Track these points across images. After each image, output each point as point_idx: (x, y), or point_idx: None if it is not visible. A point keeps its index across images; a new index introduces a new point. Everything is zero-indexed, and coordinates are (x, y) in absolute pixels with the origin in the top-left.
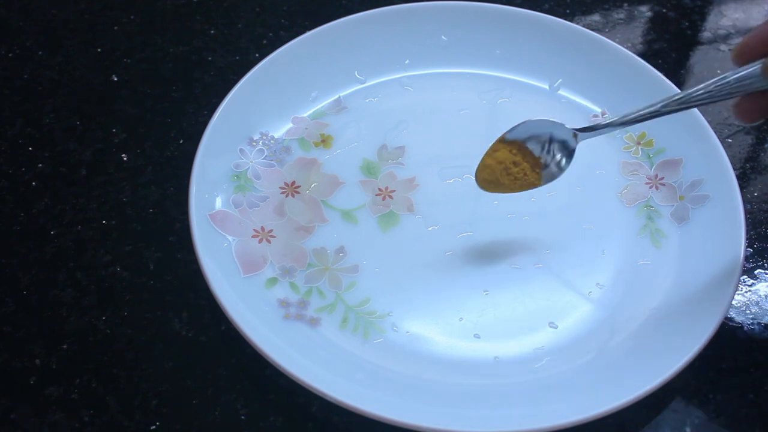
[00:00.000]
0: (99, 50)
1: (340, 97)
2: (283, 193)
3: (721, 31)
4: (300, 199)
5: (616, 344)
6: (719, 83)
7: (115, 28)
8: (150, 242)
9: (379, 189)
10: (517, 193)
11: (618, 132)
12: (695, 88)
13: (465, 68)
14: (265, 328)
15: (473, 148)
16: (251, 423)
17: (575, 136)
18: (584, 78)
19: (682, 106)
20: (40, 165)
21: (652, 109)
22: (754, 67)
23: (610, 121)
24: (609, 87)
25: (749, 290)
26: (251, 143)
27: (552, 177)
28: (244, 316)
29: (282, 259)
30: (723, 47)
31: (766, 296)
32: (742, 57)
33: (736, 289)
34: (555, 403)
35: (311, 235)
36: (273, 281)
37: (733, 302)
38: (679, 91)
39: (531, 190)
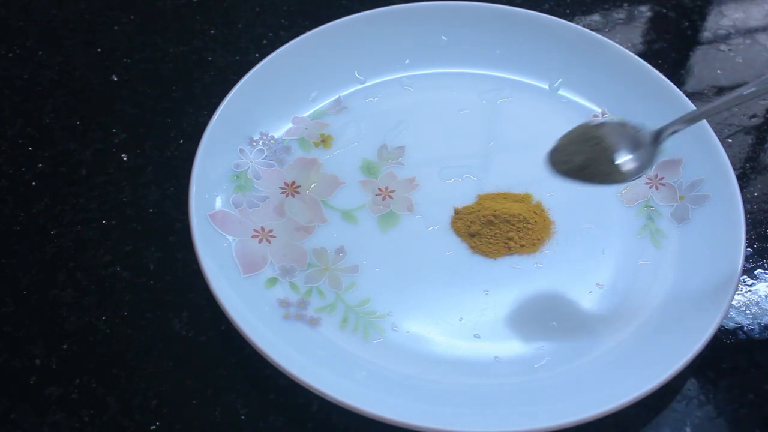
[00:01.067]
0: (99, 50)
1: (340, 97)
2: (283, 193)
3: (721, 31)
4: (300, 199)
5: (616, 344)
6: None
7: (115, 28)
8: (150, 242)
9: (379, 189)
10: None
11: None
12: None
13: (465, 68)
14: (265, 328)
15: (473, 148)
16: (251, 423)
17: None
18: (584, 78)
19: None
20: (40, 165)
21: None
22: None
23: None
24: (609, 87)
25: (749, 290)
26: (251, 143)
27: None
28: (244, 316)
29: (282, 259)
30: (723, 47)
31: (766, 296)
32: None
33: (736, 289)
34: (555, 403)
35: (311, 235)
36: (273, 281)
37: (733, 302)
38: (678, 91)
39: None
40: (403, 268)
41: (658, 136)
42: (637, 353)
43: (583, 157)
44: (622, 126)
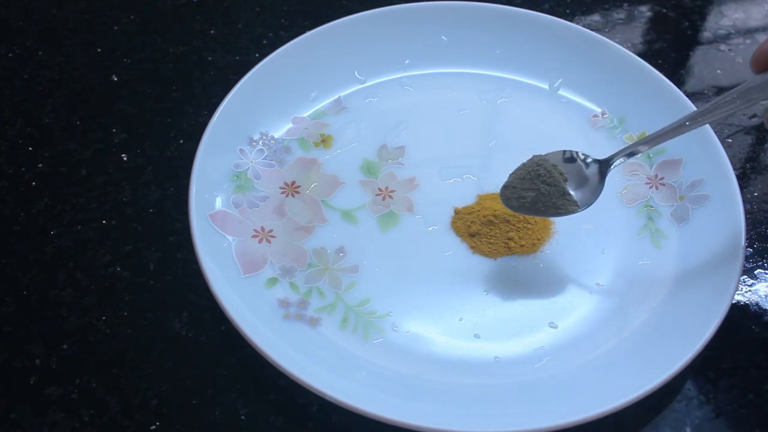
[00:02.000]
0: (99, 50)
1: (340, 97)
2: (283, 193)
3: (721, 31)
4: (300, 199)
5: (616, 344)
6: (727, 99)
7: (115, 28)
8: (150, 242)
9: (379, 189)
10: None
11: (618, 132)
12: (711, 105)
13: (465, 68)
14: (265, 328)
15: (473, 148)
16: (251, 423)
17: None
18: (584, 78)
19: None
20: (40, 165)
21: (674, 126)
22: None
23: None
24: (609, 87)
25: (749, 290)
26: (251, 143)
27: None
28: (244, 316)
29: (282, 259)
30: (723, 47)
31: (766, 296)
32: (758, 65)
33: (736, 289)
34: (555, 403)
35: (311, 235)
36: (273, 281)
37: (733, 302)
38: (678, 91)
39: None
40: (403, 268)
41: (604, 167)
42: (637, 353)
43: (534, 193)
44: (571, 157)
